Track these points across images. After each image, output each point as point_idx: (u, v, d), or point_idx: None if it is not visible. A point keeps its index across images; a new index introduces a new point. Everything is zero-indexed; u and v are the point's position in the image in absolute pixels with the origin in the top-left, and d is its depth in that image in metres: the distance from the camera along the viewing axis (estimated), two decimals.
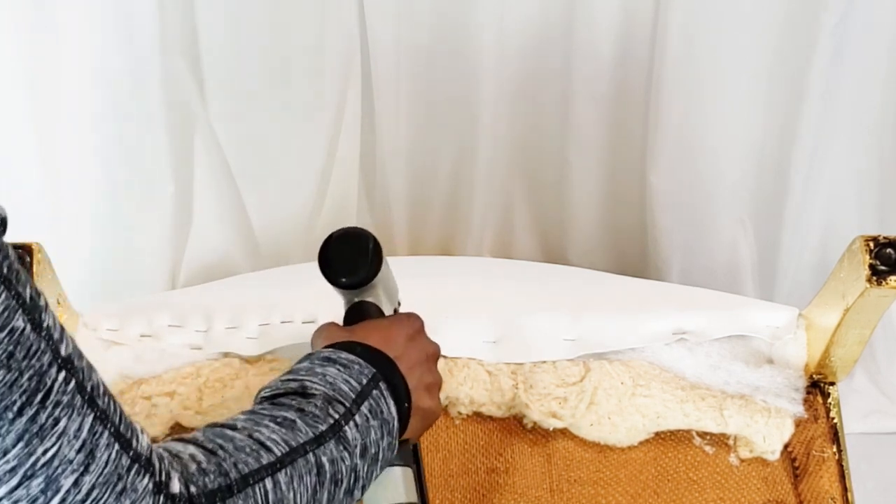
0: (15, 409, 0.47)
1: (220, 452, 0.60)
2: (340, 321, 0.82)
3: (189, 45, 1.27)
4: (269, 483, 0.60)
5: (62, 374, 0.49)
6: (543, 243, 1.56)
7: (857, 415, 1.58)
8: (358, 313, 0.81)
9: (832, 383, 1.03)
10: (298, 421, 0.64)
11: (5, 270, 0.47)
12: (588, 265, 1.45)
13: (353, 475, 0.66)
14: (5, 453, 0.47)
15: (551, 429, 0.99)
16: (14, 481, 0.47)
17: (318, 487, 0.63)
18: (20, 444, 0.47)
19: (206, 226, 1.43)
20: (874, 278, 0.90)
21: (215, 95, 1.32)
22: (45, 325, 0.49)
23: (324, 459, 0.63)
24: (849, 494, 0.98)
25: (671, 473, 0.98)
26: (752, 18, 1.26)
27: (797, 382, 1.02)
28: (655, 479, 0.98)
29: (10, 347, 0.47)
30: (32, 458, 0.48)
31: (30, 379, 0.48)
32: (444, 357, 0.92)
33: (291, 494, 0.61)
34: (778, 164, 1.39)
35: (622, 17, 1.30)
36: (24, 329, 0.48)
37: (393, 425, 0.70)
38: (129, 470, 0.52)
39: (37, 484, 0.48)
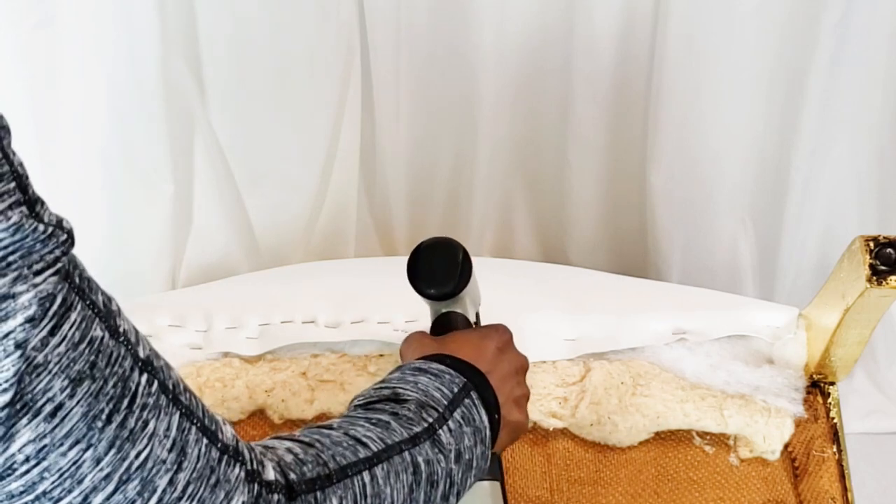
0: (104, 416, 0.47)
1: (318, 445, 0.60)
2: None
3: (189, 46, 1.27)
4: (366, 476, 0.60)
5: (144, 377, 0.50)
6: (543, 243, 1.56)
7: (857, 415, 1.58)
8: (446, 324, 0.81)
9: (832, 383, 1.03)
10: (393, 422, 0.64)
11: (78, 280, 0.47)
12: (588, 265, 1.45)
13: (448, 480, 0.65)
14: (98, 462, 0.47)
15: (551, 429, 0.99)
16: (110, 487, 0.47)
17: (414, 486, 0.62)
18: (112, 451, 0.47)
19: (206, 226, 1.43)
20: (874, 278, 0.90)
21: (215, 95, 1.32)
22: (121, 330, 0.49)
23: (419, 459, 0.63)
24: (849, 494, 0.98)
25: (671, 473, 0.98)
26: (752, 18, 1.26)
27: (797, 382, 1.02)
28: (655, 479, 0.98)
29: (93, 357, 0.47)
30: (126, 463, 0.48)
31: (115, 386, 0.48)
32: None
33: (389, 490, 0.61)
34: (778, 164, 1.39)
35: (622, 18, 1.30)
36: (103, 337, 0.48)
37: (485, 434, 0.70)
38: (219, 462, 0.52)
39: (133, 487, 0.48)
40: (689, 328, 1.04)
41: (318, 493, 0.57)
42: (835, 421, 1.01)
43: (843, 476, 0.99)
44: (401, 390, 0.68)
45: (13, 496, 0.46)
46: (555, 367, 1.02)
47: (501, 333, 0.79)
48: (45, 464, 0.46)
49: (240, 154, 1.38)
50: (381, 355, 1.02)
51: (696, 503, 0.97)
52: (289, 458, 0.58)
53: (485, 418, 0.70)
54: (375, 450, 0.61)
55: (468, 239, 1.50)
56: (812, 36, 1.25)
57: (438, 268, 0.79)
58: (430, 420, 0.66)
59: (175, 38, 1.25)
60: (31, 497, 0.46)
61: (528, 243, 1.56)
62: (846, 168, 1.42)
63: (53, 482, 0.46)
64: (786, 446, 1.00)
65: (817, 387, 1.03)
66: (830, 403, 1.02)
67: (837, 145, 1.39)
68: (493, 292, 1.10)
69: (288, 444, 0.59)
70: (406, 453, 0.63)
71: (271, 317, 1.04)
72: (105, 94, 1.26)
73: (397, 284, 1.05)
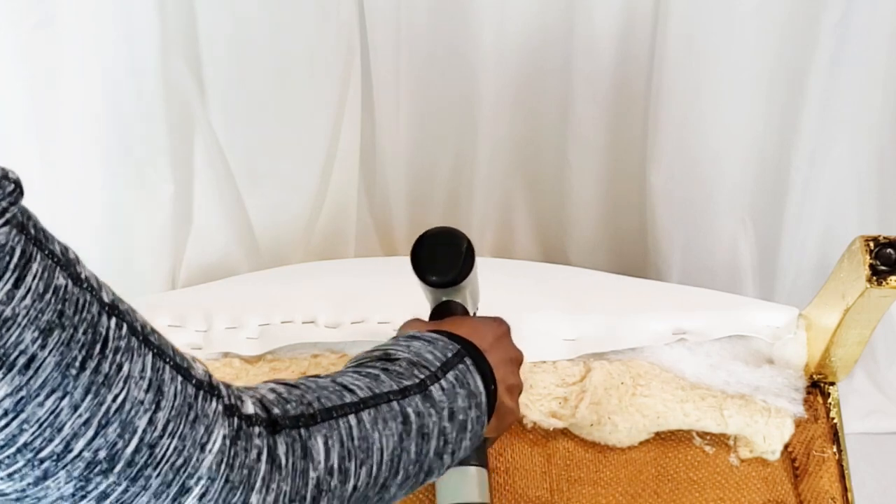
0: (77, 363, 0.47)
1: (302, 387, 0.60)
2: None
3: (189, 46, 1.27)
4: (353, 419, 0.59)
5: (113, 321, 0.50)
6: (543, 243, 1.56)
7: (857, 415, 1.58)
8: (445, 311, 0.81)
9: (832, 383, 1.03)
10: (382, 375, 0.64)
11: (33, 231, 0.47)
12: (588, 265, 1.45)
13: (441, 437, 0.65)
14: (76, 408, 0.47)
15: (551, 429, 0.99)
16: (90, 432, 0.48)
17: (403, 436, 0.62)
18: (89, 397, 0.47)
19: (206, 226, 1.43)
20: (874, 278, 0.90)
21: (215, 95, 1.32)
22: (83, 276, 0.49)
23: (409, 410, 0.63)
24: (849, 494, 0.98)
25: (671, 473, 0.98)
26: (752, 18, 1.26)
27: (797, 382, 1.02)
28: (655, 479, 0.98)
29: (60, 306, 0.47)
30: (104, 407, 0.48)
31: (85, 332, 0.48)
32: None
33: (377, 435, 0.60)
34: (778, 165, 1.39)
35: (622, 18, 1.30)
36: (66, 285, 0.48)
37: (481, 399, 0.69)
38: (195, 398, 0.52)
39: (113, 430, 0.48)
40: (689, 328, 1.04)
41: (303, 430, 0.57)
42: (835, 421, 1.01)
43: (843, 476, 0.99)
44: (392, 351, 0.68)
45: None
46: (555, 367, 1.02)
47: (499, 324, 0.79)
48: (23, 416, 0.46)
49: (240, 154, 1.38)
50: None
51: (696, 503, 0.97)
52: (271, 396, 0.58)
53: (480, 384, 0.69)
54: (362, 396, 0.61)
55: None
56: (812, 36, 1.25)
57: (442, 256, 0.80)
58: (422, 377, 0.66)
59: (175, 38, 1.25)
60: (13, 450, 0.46)
61: (528, 243, 1.56)
62: (846, 168, 1.42)
63: (33, 433, 0.46)
64: (786, 446, 1.00)
65: (817, 387, 1.03)
66: (830, 403, 1.02)
67: (837, 145, 1.39)
68: (493, 292, 1.10)
69: (272, 385, 0.59)
70: (395, 402, 0.63)
71: (271, 317, 1.04)
72: (105, 94, 1.26)
73: (397, 284, 1.05)
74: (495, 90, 1.36)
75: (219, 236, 1.44)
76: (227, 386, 0.55)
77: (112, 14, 1.21)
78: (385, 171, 1.46)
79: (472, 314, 0.84)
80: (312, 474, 0.56)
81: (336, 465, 0.58)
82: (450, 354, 0.69)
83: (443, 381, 0.66)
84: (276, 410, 0.56)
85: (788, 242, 1.46)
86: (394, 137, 1.42)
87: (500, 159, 1.45)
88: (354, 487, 0.59)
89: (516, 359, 0.79)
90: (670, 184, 1.41)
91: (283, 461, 0.55)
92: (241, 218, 1.44)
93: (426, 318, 0.83)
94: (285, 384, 0.60)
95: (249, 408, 0.55)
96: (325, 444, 0.57)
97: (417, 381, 0.65)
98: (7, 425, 0.46)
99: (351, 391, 0.61)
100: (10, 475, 0.47)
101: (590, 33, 1.30)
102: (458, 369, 0.68)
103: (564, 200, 1.49)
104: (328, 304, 1.05)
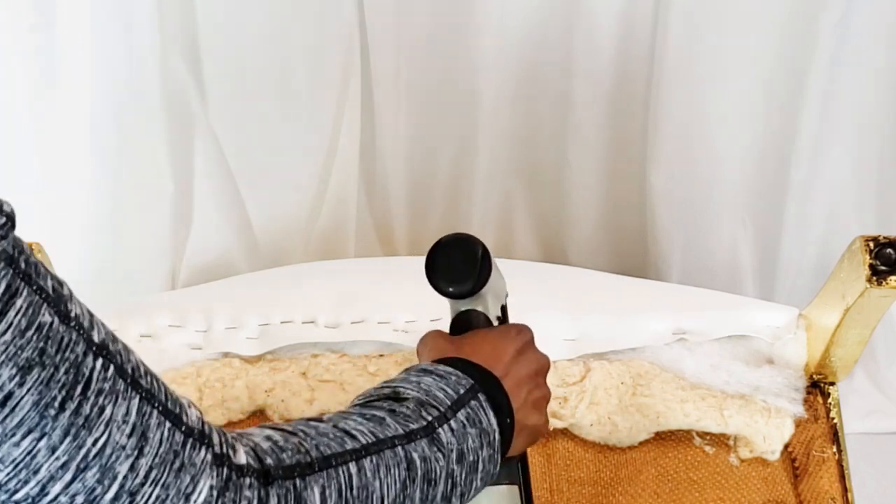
0: (56, 404, 0.46)
1: (301, 434, 0.58)
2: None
3: (189, 46, 1.27)
4: (353, 467, 0.58)
5: (99, 362, 0.48)
6: (543, 243, 1.56)
7: (857, 415, 1.57)
8: (465, 323, 0.79)
9: (832, 383, 1.03)
10: (388, 418, 0.62)
11: (23, 265, 0.46)
12: (588, 265, 1.45)
13: (449, 481, 0.63)
14: (54, 450, 0.46)
15: (551, 429, 0.99)
16: (68, 476, 0.47)
17: (408, 483, 0.60)
18: (68, 439, 0.46)
19: (206, 226, 1.43)
20: (874, 278, 0.90)
21: (215, 95, 1.32)
22: (72, 314, 0.48)
23: (414, 455, 0.61)
24: (849, 494, 0.98)
25: (671, 473, 0.98)
26: (752, 18, 1.26)
27: (797, 382, 1.02)
28: (655, 479, 0.98)
29: (41, 344, 0.46)
30: (83, 451, 0.47)
31: (66, 372, 0.47)
32: None
33: (378, 483, 0.58)
34: (778, 164, 1.39)
35: (623, 17, 1.30)
36: (52, 323, 0.47)
37: (494, 437, 0.67)
38: (183, 445, 0.51)
39: (92, 475, 0.47)
40: (689, 328, 1.04)
41: (298, 481, 0.55)
42: (835, 421, 1.01)
43: (843, 476, 0.99)
44: (401, 389, 0.66)
45: None
46: (555, 367, 1.02)
47: (522, 334, 0.77)
48: None
49: (240, 154, 1.38)
50: (381, 355, 1.02)
51: (696, 503, 0.97)
52: (266, 444, 0.56)
53: (493, 421, 0.67)
54: (365, 442, 0.59)
55: None
56: (812, 36, 1.25)
57: (457, 265, 0.77)
58: (430, 418, 0.63)
59: (175, 38, 1.25)
60: None
61: (528, 243, 1.56)
62: (846, 168, 1.42)
63: (8, 473, 0.46)
64: (786, 446, 1.00)
65: (817, 387, 1.03)
66: (830, 403, 1.02)
67: (837, 145, 1.39)
68: None
69: (269, 431, 0.58)
70: (399, 448, 0.61)
71: (271, 317, 1.04)
72: (105, 94, 1.26)
73: (397, 284, 1.05)
74: (495, 90, 1.36)
75: (219, 236, 1.44)
76: (222, 433, 0.54)
77: (112, 14, 1.21)
78: (385, 171, 1.46)
79: (497, 313, 0.82)
80: None
81: None
82: (462, 391, 0.67)
83: (452, 422, 0.64)
84: (269, 460, 0.55)
85: (788, 242, 1.46)
86: (394, 137, 1.42)
87: (500, 159, 1.45)
88: None
89: (542, 368, 0.77)
90: (670, 184, 1.41)
91: None
92: (241, 218, 1.44)
93: (440, 324, 0.81)
94: (283, 430, 0.58)
95: (242, 457, 0.53)
96: (322, 494, 0.56)
97: (425, 423, 0.63)
98: None
99: (353, 437, 0.59)
100: None
101: (590, 33, 1.30)
102: (469, 407, 0.66)
103: (564, 200, 1.49)
104: (328, 304, 1.05)
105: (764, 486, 0.98)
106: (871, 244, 0.91)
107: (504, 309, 0.84)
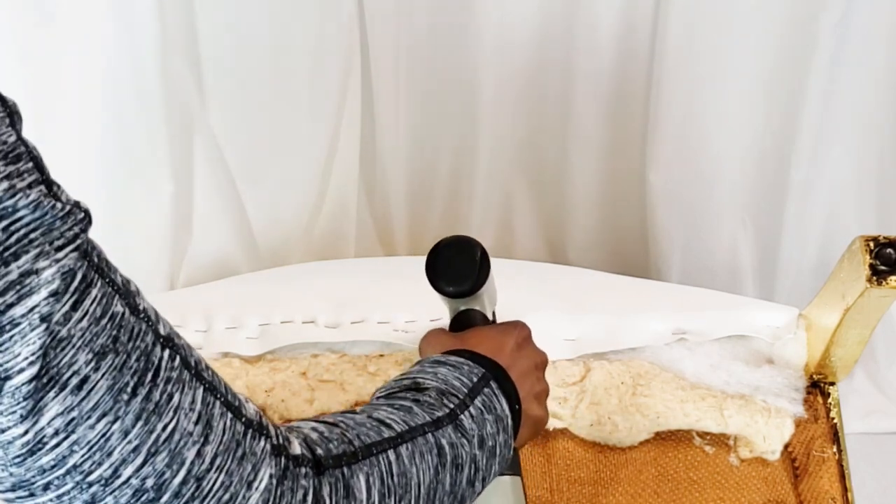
0: (129, 389, 0.48)
1: (342, 425, 0.60)
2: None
3: (189, 45, 1.27)
4: (391, 455, 0.60)
5: (167, 352, 0.50)
6: (544, 243, 1.56)
7: (857, 415, 1.58)
8: (465, 321, 0.82)
9: (832, 383, 1.03)
10: (415, 407, 0.65)
11: (96, 259, 0.49)
12: (588, 265, 1.45)
13: (473, 465, 0.65)
14: (126, 434, 0.48)
15: (551, 429, 0.99)
16: (139, 460, 0.48)
17: (439, 468, 0.62)
18: (140, 423, 0.48)
19: (206, 226, 1.43)
20: (874, 278, 0.90)
21: (215, 95, 1.32)
22: (140, 307, 0.50)
23: (443, 441, 0.63)
24: (849, 494, 0.98)
25: (671, 473, 0.98)
26: (752, 18, 1.26)
27: (797, 382, 1.02)
28: (655, 479, 0.98)
29: (115, 332, 0.48)
30: (154, 435, 0.48)
31: (138, 360, 0.49)
32: None
33: (414, 469, 0.61)
34: (778, 164, 1.39)
35: (623, 17, 1.30)
36: (123, 313, 0.49)
37: (507, 423, 0.70)
38: (244, 435, 0.53)
39: (161, 459, 0.49)
40: (689, 328, 1.04)
41: (346, 469, 0.57)
42: (835, 421, 1.01)
43: (843, 476, 0.99)
44: (421, 380, 0.68)
45: (45, 471, 0.47)
46: (555, 367, 1.02)
47: (520, 329, 0.79)
48: (73, 437, 0.46)
49: (239, 154, 1.38)
50: (381, 355, 1.02)
51: (696, 503, 0.97)
52: (314, 435, 0.58)
53: (506, 407, 0.70)
54: (399, 430, 0.62)
55: None
56: (812, 36, 1.25)
57: (457, 265, 0.80)
58: (452, 406, 0.66)
59: (175, 38, 1.25)
60: (62, 471, 0.47)
61: (528, 243, 1.56)
62: (846, 168, 1.42)
63: (83, 455, 0.47)
64: (786, 446, 1.00)
65: (817, 387, 1.03)
66: (830, 403, 1.02)
67: (837, 145, 1.39)
68: None
69: (314, 423, 0.60)
70: (430, 435, 0.63)
71: (271, 317, 1.04)
72: (104, 94, 1.26)
73: (397, 284, 1.05)
74: (495, 90, 1.36)
75: (219, 236, 1.44)
76: (276, 427, 0.56)
77: (112, 14, 1.21)
78: (385, 171, 1.46)
79: (490, 315, 0.85)
80: None
81: (377, 502, 0.58)
82: (475, 379, 0.69)
83: (471, 409, 0.67)
84: (319, 451, 0.57)
85: (788, 242, 1.46)
86: (394, 137, 1.42)
87: (500, 159, 1.45)
88: None
89: (542, 362, 0.79)
90: (670, 184, 1.41)
91: (328, 501, 0.55)
92: (241, 218, 1.44)
93: (439, 324, 0.83)
94: (326, 423, 0.60)
95: (297, 448, 0.55)
96: (367, 481, 0.58)
97: (448, 410, 0.66)
98: (58, 445, 0.46)
99: (388, 426, 0.62)
100: (59, 497, 0.47)
101: (590, 33, 1.30)
102: (484, 394, 0.69)
103: (565, 200, 1.49)
104: (328, 304, 1.05)
105: (764, 486, 0.98)
106: (871, 244, 0.91)
107: (494, 315, 0.86)
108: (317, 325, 1.04)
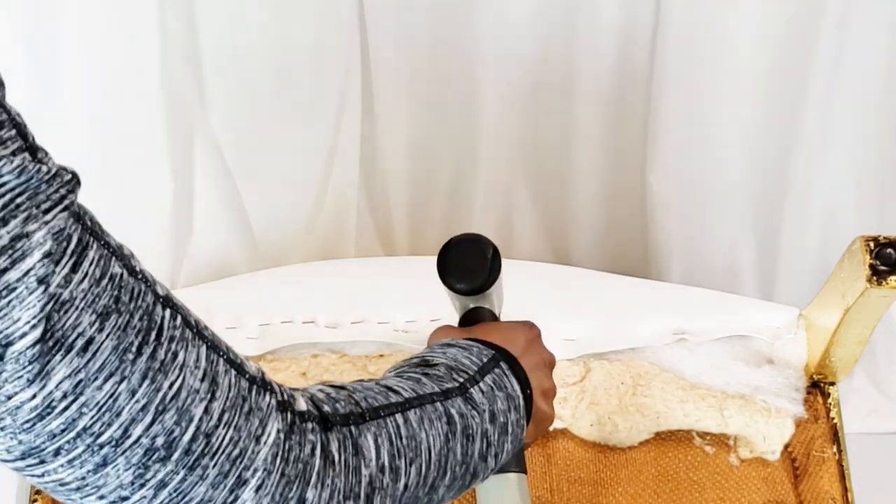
0: (134, 349, 0.48)
1: (349, 388, 0.60)
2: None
3: (189, 46, 1.27)
4: (399, 418, 0.60)
5: (168, 311, 0.51)
6: (544, 243, 1.56)
7: (857, 415, 1.57)
8: (474, 319, 0.82)
9: (832, 383, 1.03)
10: (424, 379, 0.65)
11: (89, 223, 0.49)
12: (588, 265, 1.45)
13: (484, 439, 0.65)
14: (133, 393, 0.48)
15: (551, 429, 0.99)
16: (148, 418, 0.48)
17: (449, 436, 0.62)
18: (146, 382, 0.48)
19: (206, 226, 1.43)
20: (874, 278, 0.90)
21: (215, 95, 1.32)
22: (137, 269, 0.51)
23: (452, 411, 0.63)
24: (849, 494, 0.98)
25: (671, 473, 0.98)
26: (752, 19, 1.26)
27: (797, 382, 1.02)
28: (655, 479, 0.98)
29: (116, 292, 0.48)
30: (161, 394, 0.48)
31: (140, 319, 0.49)
32: None
33: (423, 434, 0.61)
34: (778, 164, 1.39)
35: (624, 17, 1.30)
36: (122, 274, 0.49)
37: (519, 403, 0.70)
38: (249, 391, 0.53)
39: (170, 417, 0.49)
40: (689, 328, 1.04)
41: (353, 427, 0.57)
42: (835, 421, 1.02)
43: (843, 476, 0.99)
44: (430, 357, 0.68)
45: (55, 435, 0.47)
46: (555, 367, 1.02)
47: (531, 327, 0.80)
48: (82, 399, 0.46)
49: (240, 154, 1.38)
50: (381, 355, 1.02)
51: (696, 503, 0.97)
52: (321, 395, 0.58)
53: (517, 387, 0.70)
54: (407, 396, 0.62)
55: None
56: (812, 36, 1.25)
57: (468, 263, 0.81)
58: (462, 380, 0.66)
59: (175, 38, 1.25)
60: (73, 434, 0.47)
61: (528, 243, 1.56)
62: (846, 168, 1.42)
63: (92, 417, 0.47)
64: (786, 446, 1.00)
65: (817, 387, 1.03)
66: (830, 403, 1.02)
67: (837, 145, 1.38)
68: None
69: (319, 385, 0.60)
70: (438, 403, 0.63)
71: (271, 317, 1.04)
72: (104, 94, 1.26)
73: (397, 284, 1.05)
74: (496, 90, 1.36)
75: (219, 236, 1.44)
76: (280, 385, 0.56)
77: (112, 14, 1.21)
78: (385, 172, 1.46)
79: (498, 316, 0.85)
80: (364, 471, 0.56)
81: (387, 463, 0.58)
82: (485, 359, 0.69)
83: (481, 384, 0.67)
84: (326, 408, 0.57)
85: (788, 242, 1.46)
86: (394, 137, 1.42)
87: (501, 159, 1.45)
88: (405, 486, 0.59)
89: (549, 362, 0.79)
90: (670, 184, 1.41)
91: (337, 457, 0.55)
92: (241, 218, 1.44)
93: (439, 324, 0.83)
94: (332, 385, 0.61)
95: (302, 404, 0.55)
96: (375, 441, 0.58)
97: (457, 384, 0.66)
98: (67, 408, 0.46)
99: (396, 392, 0.62)
100: (70, 461, 0.47)
101: (591, 33, 1.30)
102: (494, 373, 0.69)
103: (565, 200, 1.49)
104: (328, 304, 1.05)
105: (764, 486, 0.98)
106: (871, 244, 0.91)
107: (501, 317, 0.86)
108: (317, 325, 1.04)
